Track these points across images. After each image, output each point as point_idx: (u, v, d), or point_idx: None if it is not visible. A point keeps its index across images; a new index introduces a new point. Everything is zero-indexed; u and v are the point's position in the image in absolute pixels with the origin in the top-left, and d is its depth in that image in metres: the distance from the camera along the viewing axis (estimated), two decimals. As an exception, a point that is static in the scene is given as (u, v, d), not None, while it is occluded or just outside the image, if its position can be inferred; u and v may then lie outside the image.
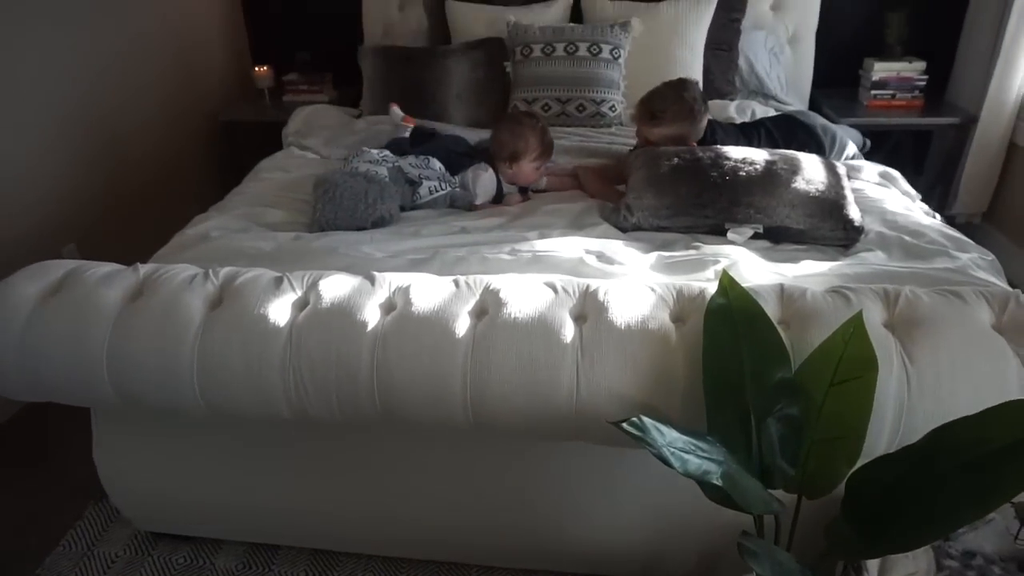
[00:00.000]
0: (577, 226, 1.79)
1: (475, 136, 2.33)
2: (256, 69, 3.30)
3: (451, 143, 2.18)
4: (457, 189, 2.02)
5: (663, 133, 2.01)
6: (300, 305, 1.34)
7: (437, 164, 2.03)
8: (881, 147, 2.94)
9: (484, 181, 2.03)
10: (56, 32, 2.44)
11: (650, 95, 2.06)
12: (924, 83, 2.95)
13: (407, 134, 2.33)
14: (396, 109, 2.44)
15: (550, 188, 2.13)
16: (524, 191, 2.12)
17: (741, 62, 2.79)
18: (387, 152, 2.07)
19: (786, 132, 2.12)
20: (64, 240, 2.50)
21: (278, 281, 1.38)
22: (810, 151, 1.94)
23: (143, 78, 2.86)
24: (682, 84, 2.04)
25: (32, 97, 2.36)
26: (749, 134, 2.12)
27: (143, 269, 1.46)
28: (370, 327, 1.28)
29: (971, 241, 1.69)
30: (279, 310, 1.32)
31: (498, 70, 2.64)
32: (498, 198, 2.07)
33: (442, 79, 2.61)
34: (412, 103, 2.57)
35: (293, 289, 1.36)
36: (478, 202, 2.03)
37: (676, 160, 1.80)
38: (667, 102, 2.00)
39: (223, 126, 3.24)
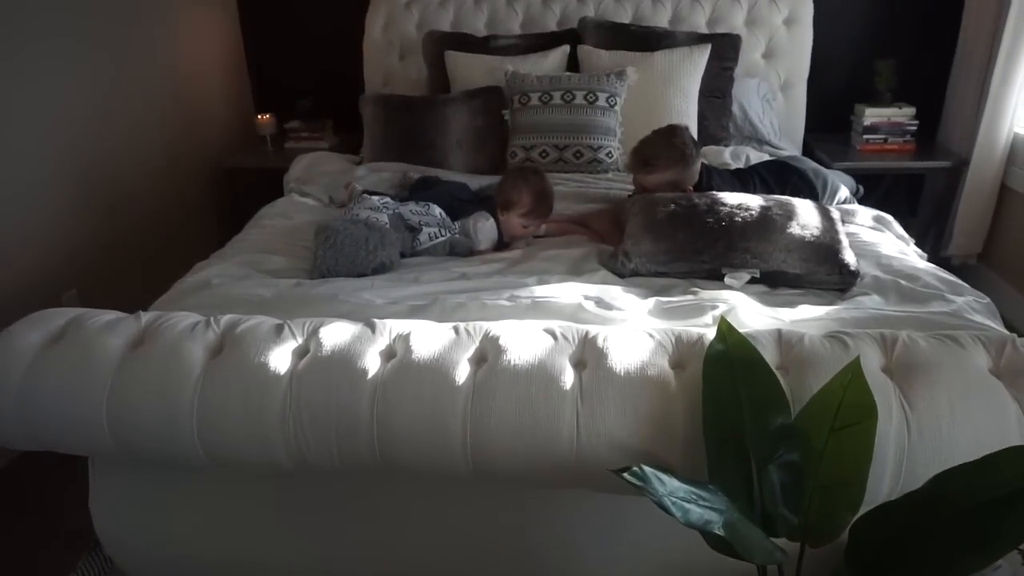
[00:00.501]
0: (576, 272, 1.80)
1: (477, 182, 2.36)
2: (258, 117, 3.37)
3: (454, 189, 2.22)
4: (457, 235, 2.04)
5: (657, 180, 2.04)
6: (300, 353, 1.34)
7: (437, 210, 2.06)
8: (876, 190, 2.99)
9: (486, 229, 2.06)
10: (59, 78, 2.48)
11: (641, 144, 2.09)
12: (915, 128, 3.01)
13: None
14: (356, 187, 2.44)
15: (549, 234, 2.15)
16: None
17: (735, 109, 2.85)
18: (388, 199, 2.10)
19: (779, 177, 2.15)
20: (65, 286, 2.52)
21: (279, 329, 1.38)
22: (803, 196, 1.97)
23: (146, 125, 2.91)
24: (672, 131, 2.08)
25: (34, 143, 2.39)
26: (745, 180, 2.15)
27: (145, 317, 1.46)
28: (370, 375, 1.28)
29: (966, 284, 1.70)
30: (280, 358, 1.32)
31: (497, 118, 2.70)
32: (499, 246, 2.09)
33: (441, 127, 2.66)
34: (412, 150, 2.62)
35: (294, 337, 1.37)
36: (480, 248, 2.05)
37: (673, 206, 1.82)
38: (658, 149, 2.04)
39: (225, 173, 3.29)
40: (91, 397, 1.31)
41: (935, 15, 3.07)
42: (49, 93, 2.44)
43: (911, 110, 3.01)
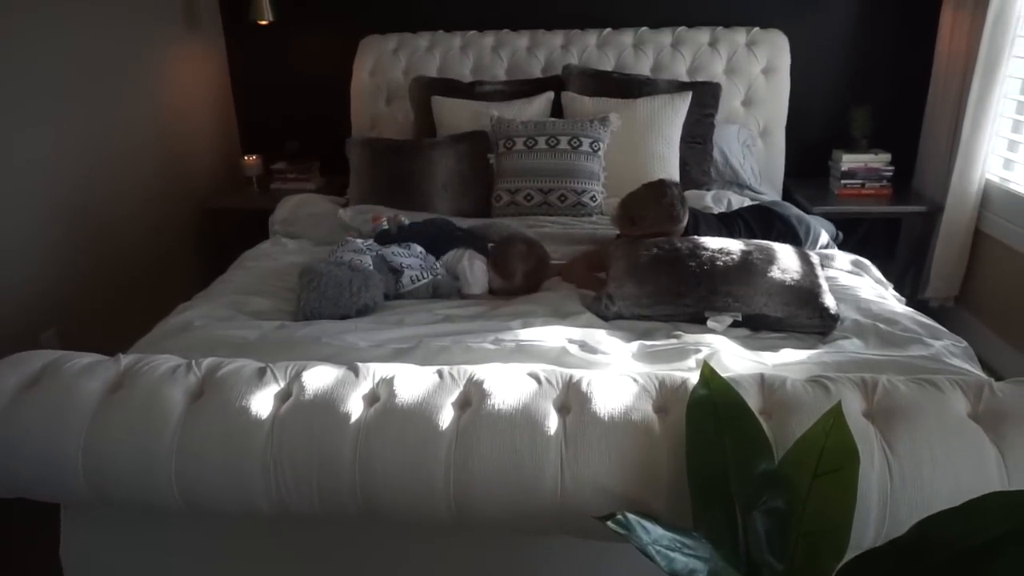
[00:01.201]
0: (560, 315, 1.81)
1: (464, 224, 2.38)
2: (245, 158, 3.38)
3: (440, 224, 2.23)
4: (440, 276, 2.04)
5: (643, 232, 2.06)
6: (283, 397, 1.33)
7: (419, 250, 2.06)
8: (855, 233, 3.04)
9: (478, 273, 2.06)
10: (46, 117, 2.49)
11: (630, 198, 2.09)
12: (891, 173, 3.08)
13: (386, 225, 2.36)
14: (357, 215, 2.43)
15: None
16: None
17: (716, 154, 2.90)
18: (371, 241, 2.11)
19: (763, 223, 2.18)
20: (44, 326, 2.49)
21: (261, 372, 1.37)
22: (786, 241, 2.00)
23: (132, 164, 2.91)
24: (661, 189, 2.06)
25: (18, 180, 2.38)
26: (730, 225, 2.18)
27: (124, 360, 1.45)
28: (353, 419, 1.27)
29: (944, 328, 1.73)
30: (261, 402, 1.31)
31: (482, 162, 2.73)
32: (488, 290, 2.10)
33: (427, 170, 2.69)
34: (398, 193, 2.64)
35: (276, 380, 1.36)
36: (475, 291, 2.04)
37: (655, 250, 1.85)
38: (646, 207, 2.04)
39: (209, 213, 3.29)
40: (66, 444, 1.29)
41: (907, 64, 3.18)
42: (36, 132, 2.45)
43: (887, 156, 3.09)
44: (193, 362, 1.41)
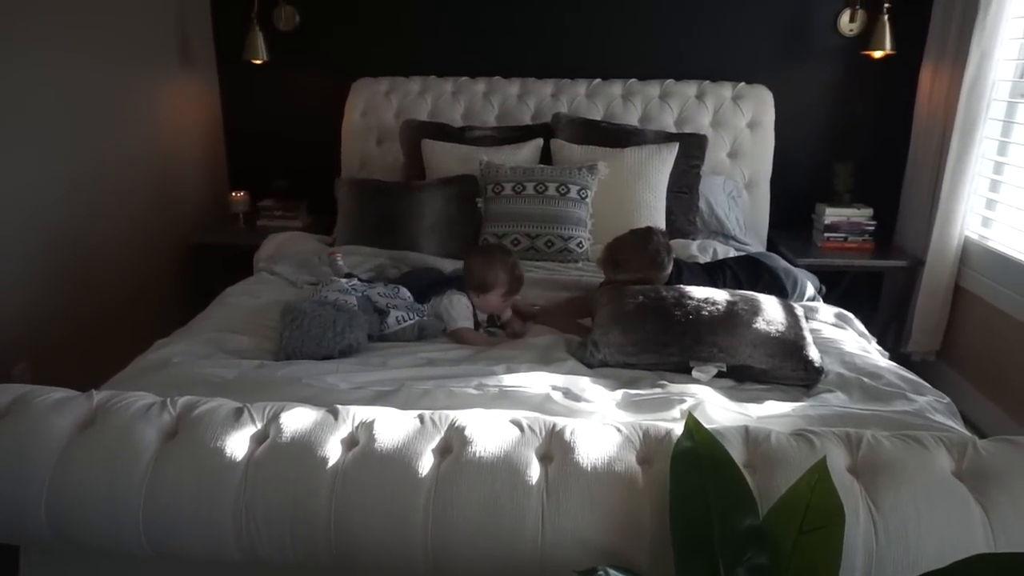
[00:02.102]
0: (544, 360, 1.80)
1: (449, 266, 2.38)
2: (233, 194, 3.38)
3: (423, 274, 2.22)
4: (426, 318, 2.03)
5: (626, 279, 2.07)
6: (259, 439, 1.30)
7: (406, 293, 2.06)
8: (837, 286, 3.07)
9: (459, 307, 2.05)
10: (32, 147, 2.46)
11: (616, 242, 2.12)
12: (873, 227, 3.13)
13: (340, 261, 2.35)
14: (337, 259, 2.44)
15: (510, 325, 2.16)
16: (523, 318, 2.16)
17: (702, 204, 2.94)
18: (356, 281, 2.10)
19: (750, 274, 2.20)
20: (15, 359, 2.43)
21: (238, 412, 1.34)
22: (773, 293, 2.01)
23: (118, 197, 2.89)
24: (648, 236, 2.09)
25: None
26: (714, 275, 2.19)
27: (97, 396, 1.41)
28: (330, 463, 1.24)
29: (927, 384, 1.74)
30: (236, 444, 1.28)
31: (470, 205, 2.74)
32: (475, 325, 2.08)
33: (415, 212, 2.70)
34: (386, 234, 2.64)
35: (253, 421, 1.33)
36: (457, 326, 2.03)
37: (641, 298, 1.85)
38: (631, 252, 2.06)
39: (194, 249, 3.27)
40: (29, 483, 1.25)
41: (888, 122, 3.26)
42: (22, 161, 2.42)
43: (868, 211, 3.14)
44: (168, 400, 1.38)
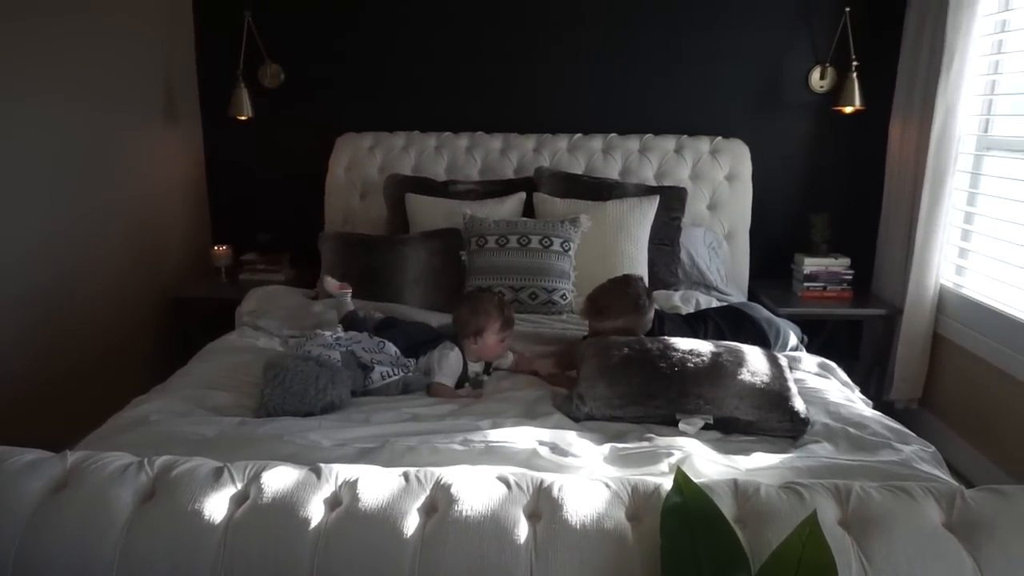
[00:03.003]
0: (530, 415, 1.78)
1: (436, 319, 2.37)
2: (215, 248, 3.37)
3: (413, 330, 2.22)
4: (411, 374, 2.02)
5: (610, 327, 2.08)
6: (239, 500, 1.26)
7: (392, 348, 2.04)
8: (818, 334, 3.10)
9: (451, 360, 2.05)
10: (12, 199, 2.43)
11: (597, 291, 2.16)
12: (851, 277, 3.18)
13: (348, 300, 2.37)
14: (330, 280, 2.48)
15: (518, 369, 2.15)
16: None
17: (683, 256, 2.98)
18: (341, 335, 2.09)
19: (733, 325, 2.21)
20: (-13, 419, 2.36)
21: (218, 472, 1.31)
22: (756, 343, 2.02)
23: (96, 251, 2.86)
24: (627, 281, 2.15)
25: None
26: (695, 325, 2.21)
27: (71, 457, 1.37)
28: (313, 525, 1.21)
29: (912, 433, 1.74)
30: (216, 505, 1.24)
31: (454, 258, 2.75)
32: (463, 378, 2.07)
33: (399, 265, 2.70)
34: (369, 287, 2.64)
35: (233, 482, 1.29)
36: (436, 380, 2.01)
37: (626, 350, 1.85)
38: (612, 298, 2.10)
39: (174, 303, 3.24)
40: (-2, 550, 1.20)
41: (861, 174, 3.34)
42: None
43: (846, 260, 3.20)
44: (145, 460, 1.34)
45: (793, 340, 2.33)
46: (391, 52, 3.41)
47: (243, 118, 3.36)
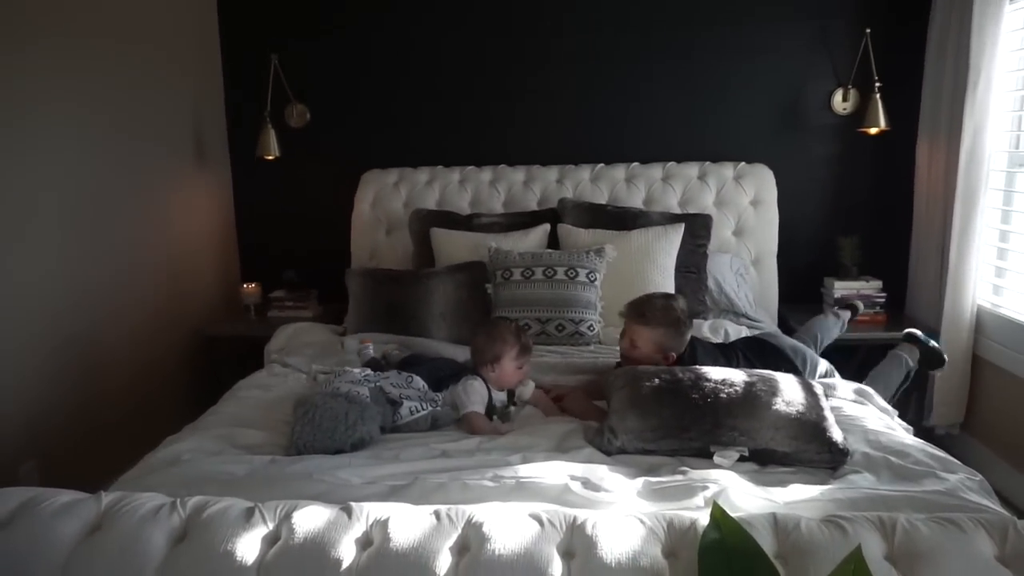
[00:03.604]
0: (561, 449, 1.76)
1: (463, 354, 2.37)
2: (244, 286, 3.41)
3: (439, 365, 2.22)
4: (439, 408, 2.01)
5: (647, 335, 2.07)
6: (271, 540, 1.26)
7: (420, 383, 2.04)
8: (852, 359, 3.03)
9: (476, 388, 2.04)
10: (48, 241, 2.50)
11: (641, 297, 2.20)
12: (883, 299, 3.12)
13: (370, 351, 2.37)
14: (351, 342, 2.49)
15: (537, 403, 2.13)
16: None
17: (710, 283, 2.94)
18: (369, 371, 2.09)
19: (759, 356, 2.18)
20: (23, 457, 2.39)
21: (249, 513, 1.31)
22: (785, 372, 1.98)
23: (128, 293, 2.91)
24: (674, 296, 2.20)
25: (10, 302, 2.35)
26: (728, 354, 2.18)
27: (106, 499, 1.38)
28: (345, 565, 1.19)
29: (957, 461, 1.68)
30: (247, 546, 1.23)
31: (480, 291, 2.76)
32: (490, 409, 2.06)
33: (425, 299, 2.71)
34: (396, 321, 2.65)
35: (264, 522, 1.29)
36: (467, 411, 2.00)
37: (657, 381, 1.82)
38: (656, 307, 2.12)
39: (205, 341, 3.28)
40: (35, 593, 1.20)
41: (889, 195, 3.30)
42: (36, 256, 2.45)
43: (878, 283, 3.14)
44: (178, 501, 1.34)
45: (823, 365, 2.29)
46: (414, 89, 3.47)
47: (270, 158, 3.42)
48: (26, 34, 2.38)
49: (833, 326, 2.81)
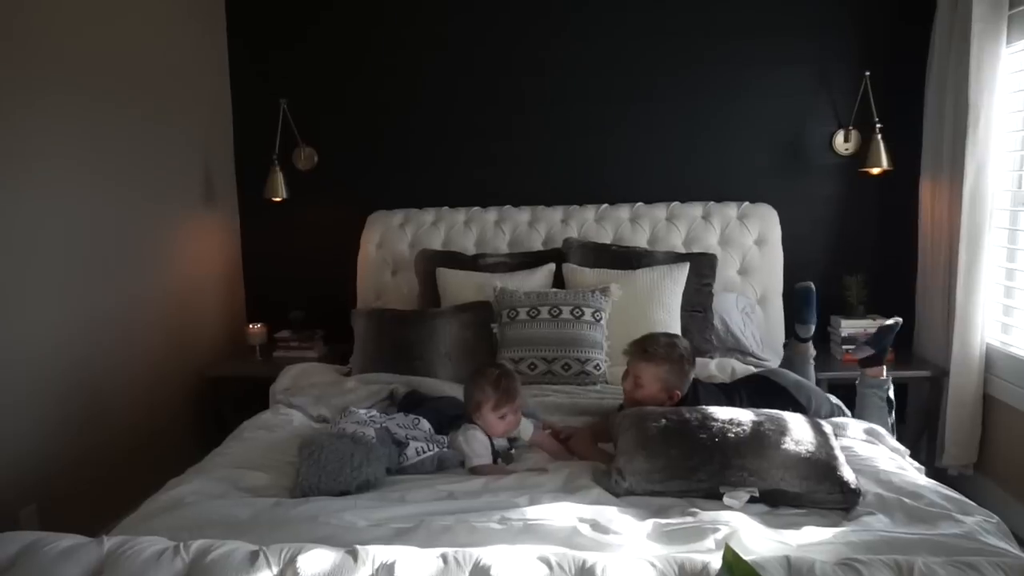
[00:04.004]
0: (569, 490, 1.73)
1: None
2: (250, 327, 3.42)
3: (444, 405, 2.20)
4: (445, 449, 1.99)
5: (651, 372, 2.07)
6: (275, 585, 1.24)
7: (426, 424, 2.02)
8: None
9: (477, 439, 2.01)
10: (55, 284, 2.50)
11: (645, 336, 2.20)
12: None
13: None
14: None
15: (542, 444, 2.10)
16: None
17: (716, 322, 2.94)
18: (375, 412, 2.08)
19: (761, 394, 2.16)
20: (24, 501, 2.37)
21: (253, 556, 1.29)
22: (790, 410, 1.95)
23: (133, 334, 2.91)
24: (676, 335, 2.22)
25: (14, 345, 2.34)
26: (731, 395, 2.16)
27: (108, 543, 1.36)
28: (349, 612, 1.17)
29: (973, 503, 1.65)
30: (251, 592, 1.21)
31: (485, 331, 2.75)
32: (494, 454, 2.03)
33: (431, 339, 2.71)
34: (402, 361, 2.64)
35: (269, 566, 1.27)
36: (473, 464, 1.97)
37: (664, 421, 1.80)
38: (659, 344, 2.13)
39: (209, 382, 3.27)
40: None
41: (894, 234, 3.30)
42: (37, 302, 2.45)
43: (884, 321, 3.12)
44: (181, 545, 1.33)
45: (830, 403, 2.26)
46: (420, 132, 3.52)
47: (278, 199, 3.46)
48: (39, 76, 2.42)
49: (800, 364, 2.76)
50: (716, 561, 1.17)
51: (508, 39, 3.43)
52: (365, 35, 3.50)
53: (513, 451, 2.07)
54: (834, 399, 2.31)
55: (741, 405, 2.08)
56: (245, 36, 3.56)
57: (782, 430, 1.75)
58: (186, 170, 3.30)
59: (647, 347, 2.12)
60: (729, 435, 1.73)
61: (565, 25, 3.40)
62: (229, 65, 3.58)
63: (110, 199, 2.78)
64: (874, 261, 3.34)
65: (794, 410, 2.03)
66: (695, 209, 3.28)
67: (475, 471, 1.96)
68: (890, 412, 2.54)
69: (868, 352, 2.61)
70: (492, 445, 2.03)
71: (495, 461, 2.01)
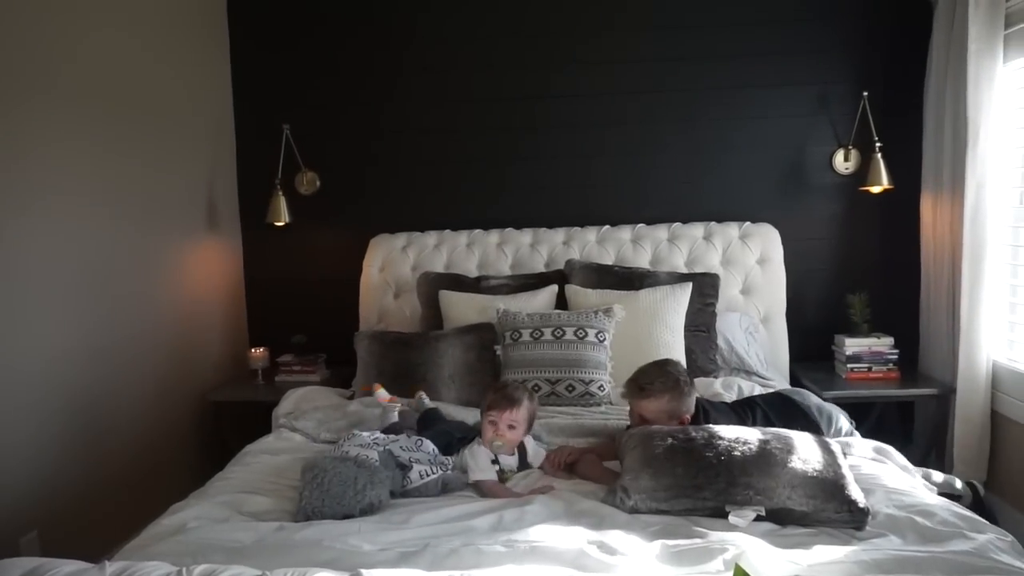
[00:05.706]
0: (575, 511, 1.71)
1: (473, 416, 2.34)
2: (252, 351, 3.41)
3: (452, 428, 2.20)
4: (450, 472, 1.97)
5: (654, 408, 2.04)
6: (278, 610, 1.22)
7: (430, 446, 2.01)
8: (867, 417, 2.98)
9: (478, 457, 2.01)
10: (51, 314, 2.49)
11: (637, 372, 2.15)
12: (896, 356, 3.09)
13: (395, 415, 2.35)
14: (382, 391, 2.48)
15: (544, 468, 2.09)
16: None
17: (720, 342, 2.93)
18: (379, 435, 2.07)
19: (781, 413, 2.14)
20: (25, 528, 2.34)
21: (256, 581, 1.27)
22: (808, 432, 1.93)
23: (135, 359, 2.90)
24: (666, 361, 2.17)
25: (15, 370, 2.33)
26: (742, 414, 2.15)
27: (110, 568, 1.35)
28: (354, 636, 1.15)
29: (985, 520, 1.63)
30: (254, 617, 1.20)
31: (489, 353, 2.75)
32: (499, 472, 2.02)
33: (434, 361, 2.70)
34: (404, 384, 2.63)
35: (271, 591, 1.25)
36: (475, 478, 1.97)
37: (670, 440, 1.79)
38: (652, 376, 2.09)
39: (212, 406, 3.26)
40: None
41: (896, 251, 3.31)
42: (39, 329, 2.44)
43: (889, 339, 3.11)
44: (184, 570, 1.32)
45: (846, 425, 2.25)
46: (421, 155, 3.55)
47: (280, 224, 3.48)
48: (44, 104, 2.45)
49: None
50: (726, 581, 1.16)
51: (510, 64, 3.47)
52: (367, 60, 3.54)
53: (509, 475, 2.05)
54: (846, 423, 2.28)
55: (756, 422, 2.06)
56: (248, 62, 3.60)
57: (789, 448, 1.74)
58: (190, 195, 3.32)
59: (642, 384, 2.08)
60: (735, 453, 1.72)
61: (567, 51, 3.43)
62: (232, 91, 3.62)
63: (114, 224, 2.80)
64: (877, 279, 3.34)
65: (812, 432, 2.00)
66: (696, 229, 3.29)
67: (476, 486, 1.95)
68: None
69: None
70: (498, 463, 2.02)
71: (500, 476, 2.01)
